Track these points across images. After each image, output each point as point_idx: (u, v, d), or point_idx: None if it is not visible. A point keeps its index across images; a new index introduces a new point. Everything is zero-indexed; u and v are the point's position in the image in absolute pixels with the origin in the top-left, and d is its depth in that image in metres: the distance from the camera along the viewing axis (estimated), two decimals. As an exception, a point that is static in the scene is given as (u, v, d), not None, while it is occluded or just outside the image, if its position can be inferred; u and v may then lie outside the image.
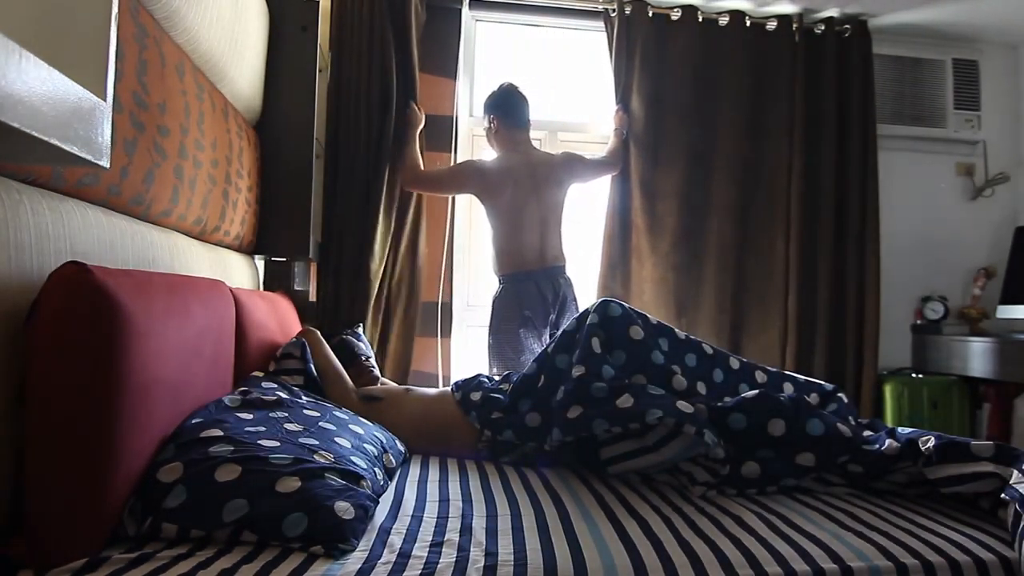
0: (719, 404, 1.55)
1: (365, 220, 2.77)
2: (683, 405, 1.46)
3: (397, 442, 1.62)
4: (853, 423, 1.60)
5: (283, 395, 1.46)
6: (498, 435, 1.70)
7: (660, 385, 1.62)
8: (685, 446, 1.45)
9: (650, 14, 3.07)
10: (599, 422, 1.48)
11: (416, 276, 2.84)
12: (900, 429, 1.53)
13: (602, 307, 1.74)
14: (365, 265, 2.76)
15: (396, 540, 1.11)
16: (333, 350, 1.99)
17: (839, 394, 1.76)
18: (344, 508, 1.09)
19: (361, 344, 2.17)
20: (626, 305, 1.77)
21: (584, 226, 3.26)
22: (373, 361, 2.12)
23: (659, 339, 1.75)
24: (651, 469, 1.52)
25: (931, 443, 1.36)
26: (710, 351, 1.80)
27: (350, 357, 2.04)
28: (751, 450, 1.48)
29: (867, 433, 1.55)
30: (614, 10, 3.06)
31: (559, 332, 1.80)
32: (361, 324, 2.39)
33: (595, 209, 3.20)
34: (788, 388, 1.77)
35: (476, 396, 1.79)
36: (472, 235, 3.18)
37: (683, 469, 1.48)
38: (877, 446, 1.46)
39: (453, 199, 2.99)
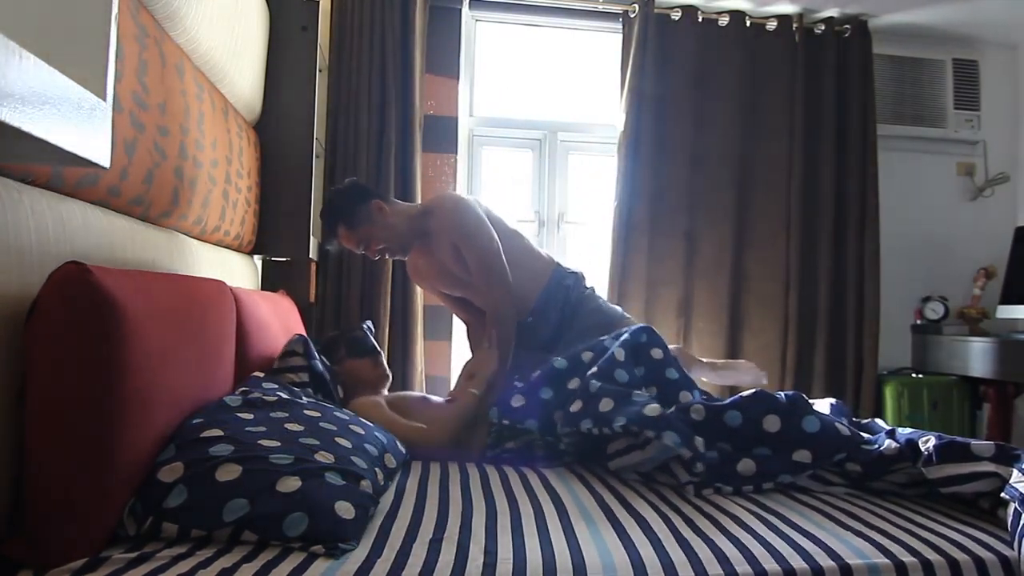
0: (715, 402, 1.58)
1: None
2: (650, 410, 1.51)
3: (398, 443, 1.62)
4: (847, 423, 1.61)
5: (284, 395, 1.46)
6: (518, 424, 1.71)
7: (671, 399, 1.68)
8: (663, 447, 1.48)
9: (654, 14, 3.08)
10: (586, 421, 1.59)
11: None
12: (900, 429, 1.53)
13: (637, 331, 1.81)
14: (365, 265, 2.76)
15: (396, 539, 1.11)
16: (357, 342, 2.01)
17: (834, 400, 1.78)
18: (344, 508, 1.09)
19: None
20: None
21: (588, 227, 3.26)
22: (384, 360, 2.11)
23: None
24: (641, 466, 1.54)
25: (931, 443, 1.36)
26: None
27: (374, 353, 2.03)
28: (748, 447, 1.50)
29: (866, 435, 1.55)
30: (634, 12, 3.06)
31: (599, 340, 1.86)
32: (369, 322, 2.39)
33: (598, 210, 3.21)
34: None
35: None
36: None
37: (672, 470, 1.49)
38: (876, 446, 1.46)
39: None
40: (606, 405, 1.58)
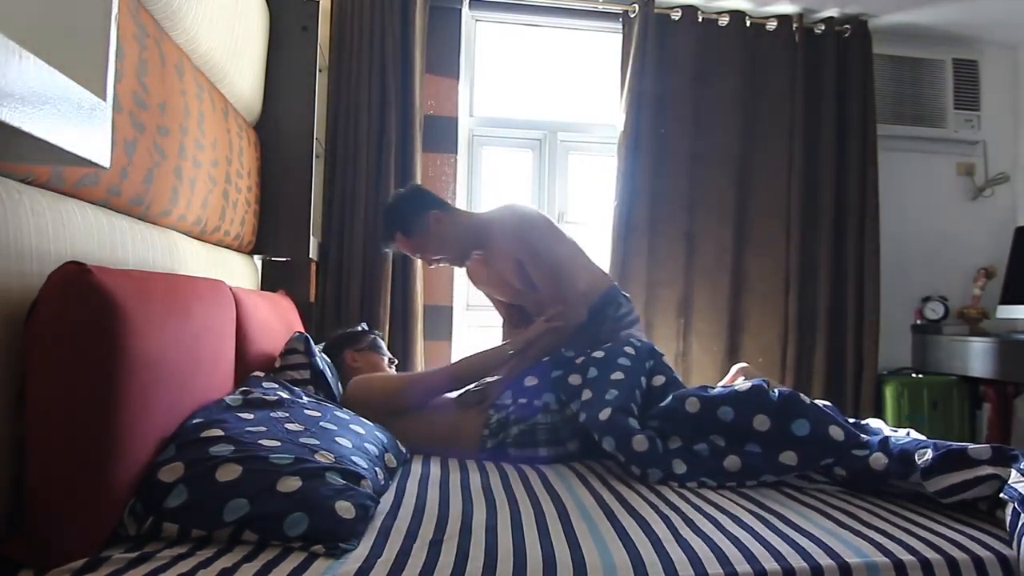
0: (711, 394, 1.61)
1: (364, 220, 2.78)
2: (603, 414, 1.59)
3: (398, 442, 1.63)
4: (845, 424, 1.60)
5: (284, 395, 1.46)
6: (535, 400, 1.77)
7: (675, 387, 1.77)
8: (605, 451, 1.58)
9: (654, 14, 3.08)
10: (575, 403, 1.74)
11: (416, 277, 2.84)
12: (894, 437, 1.50)
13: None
14: (365, 266, 2.76)
15: (396, 539, 1.11)
16: (380, 344, 2.06)
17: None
18: (345, 507, 1.09)
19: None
20: None
21: (588, 227, 3.26)
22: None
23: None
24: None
25: (928, 455, 1.33)
26: None
27: (391, 359, 2.07)
28: (741, 441, 1.53)
29: (863, 436, 1.53)
30: (634, 12, 3.06)
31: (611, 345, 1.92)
32: (366, 323, 2.39)
33: (598, 210, 3.21)
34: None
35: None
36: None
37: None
38: (867, 451, 1.44)
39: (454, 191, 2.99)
40: (586, 395, 1.71)
